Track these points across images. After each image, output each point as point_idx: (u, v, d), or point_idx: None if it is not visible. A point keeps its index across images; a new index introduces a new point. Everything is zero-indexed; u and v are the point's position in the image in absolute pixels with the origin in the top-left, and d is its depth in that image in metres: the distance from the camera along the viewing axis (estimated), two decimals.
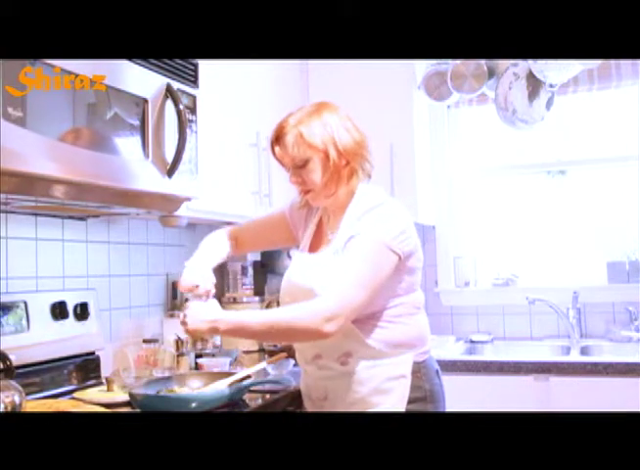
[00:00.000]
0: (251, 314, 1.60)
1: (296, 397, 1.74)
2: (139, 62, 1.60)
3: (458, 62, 2.72)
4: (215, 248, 1.74)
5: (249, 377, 1.73)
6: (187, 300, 1.59)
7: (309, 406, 1.67)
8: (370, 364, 1.52)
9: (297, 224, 1.75)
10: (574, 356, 2.53)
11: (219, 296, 2.67)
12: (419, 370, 1.55)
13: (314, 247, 1.67)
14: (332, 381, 1.57)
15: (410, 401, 1.53)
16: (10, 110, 1.24)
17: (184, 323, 1.47)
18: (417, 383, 1.54)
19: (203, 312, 1.48)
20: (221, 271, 2.71)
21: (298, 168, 1.58)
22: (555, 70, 2.58)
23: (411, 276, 1.56)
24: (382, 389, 1.52)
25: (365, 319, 1.51)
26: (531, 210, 3.05)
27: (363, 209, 1.54)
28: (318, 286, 1.50)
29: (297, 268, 1.63)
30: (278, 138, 1.59)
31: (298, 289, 1.57)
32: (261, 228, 1.85)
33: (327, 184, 1.57)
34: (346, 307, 1.42)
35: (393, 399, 1.52)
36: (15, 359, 1.55)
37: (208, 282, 1.59)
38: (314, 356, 1.59)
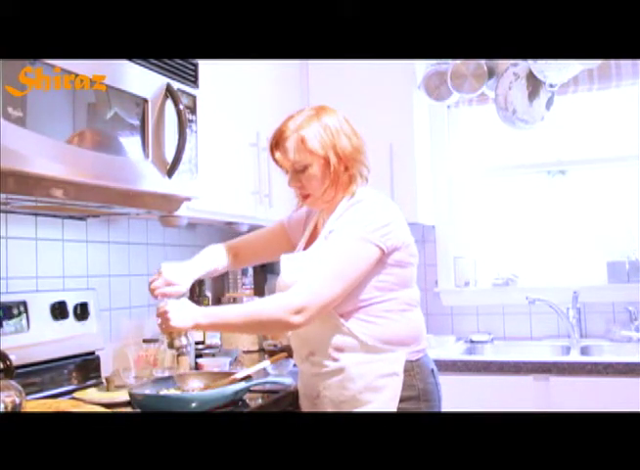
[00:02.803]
0: (229, 308, 1.62)
1: (296, 397, 1.74)
2: (139, 62, 1.60)
3: (458, 62, 2.72)
4: (204, 258, 1.73)
5: (249, 377, 1.73)
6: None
7: (304, 405, 1.67)
8: (361, 361, 1.53)
9: (297, 232, 1.76)
10: (574, 356, 2.53)
11: (219, 296, 2.67)
12: (412, 369, 1.55)
13: (307, 247, 1.68)
14: (324, 378, 1.57)
15: (402, 400, 1.53)
16: (10, 110, 1.24)
17: (166, 320, 1.46)
18: (410, 381, 1.54)
19: (184, 309, 1.48)
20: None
21: (298, 173, 1.59)
22: (555, 70, 2.58)
23: (402, 270, 1.56)
24: (373, 386, 1.52)
25: (353, 312, 1.52)
26: (531, 210, 3.05)
27: (345, 208, 1.56)
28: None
29: (287, 266, 1.64)
30: (278, 143, 1.60)
31: (286, 285, 1.58)
32: (262, 240, 1.84)
33: (326, 190, 1.59)
34: (316, 300, 1.44)
35: (385, 398, 1.52)
36: (15, 359, 1.55)
37: (184, 285, 1.59)
38: (308, 354, 1.60)
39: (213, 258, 1.74)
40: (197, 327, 1.50)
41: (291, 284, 1.56)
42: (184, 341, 1.54)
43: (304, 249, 1.68)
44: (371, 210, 1.53)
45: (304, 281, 1.47)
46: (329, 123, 1.57)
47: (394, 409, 1.52)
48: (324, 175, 1.57)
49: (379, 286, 1.53)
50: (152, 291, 1.56)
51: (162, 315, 1.47)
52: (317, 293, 1.45)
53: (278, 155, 1.61)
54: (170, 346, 1.54)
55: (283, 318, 1.44)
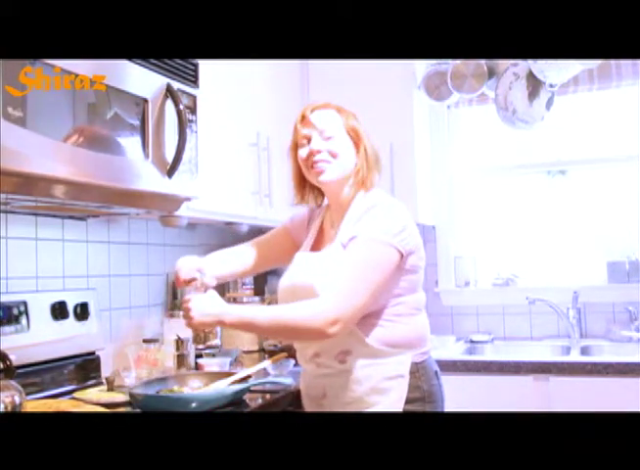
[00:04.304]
0: (258, 310, 1.59)
1: (296, 397, 1.74)
2: (139, 62, 1.60)
3: (458, 62, 2.72)
4: (218, 255, 1.75)
5: (249, 377, 1.73)
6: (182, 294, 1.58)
7: (308, 405, 1.67)
8: (368, 363, 1.52)
9: (301, 234, 1.75)
10: (574, 356, 2.53)
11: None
12: (417, 371, 1.55)
13: (316, 246, 1.67)
14: (330, 379, 1.57)
15: (408, 402, 1.53)
16: (10, 110, 1.24)
17: (189, 317, 1.45)
18: (415, 383, 1.54)
19: (207, 305, 1.46)
20: None
21: (326, 140, 1.58)
22: (555, 70, 2.58)
23: (413, 275, 1.56)
24: (379, 388, 1.52)
25: (364, 318, 1.51)
26: (531, 210, 3.05)
27: (363, 209, 1.55)
28: (318, 283, 1.51)
29: (299, 267, 1.63)
30: (316, 108, 1.61)
31: (299, 287, 1.57)
32: (266, 246, 1.80)
33: (357, 165, 1.59)
34: (351, 311, 1.43)
35: (391, 399, 1.52)
36: (15, 359, 1.55)
37: (207, 275, 1.59)
38: (313, 355, 1.59)
39: (221, 257, 1.75)
40: (220, 325, 1.49)
41: (300, 285, 1.56)
42: (212, 340, 1.51)
43: (312, 249, 1.67)
44: (389, 213, 1.52)
45: (337, 290, 1.44)
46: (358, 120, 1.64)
47: (400, 411, 1.52)
48: (352, 152, 1.59)
49: (391, 292, 1.53)
50: (178, 280, 1.58)
51: (185, 311, 1.45)
52: (351, 303, 1.43)
53: (315, 115, 1.59)
54: (195, 341, 1.52)
55: (320, 329, 1.40)
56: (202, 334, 1.56)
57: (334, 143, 1.58)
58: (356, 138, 1.60)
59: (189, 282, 1.57)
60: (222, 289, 2.70)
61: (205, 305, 1.46)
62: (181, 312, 1.49)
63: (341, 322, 1.41)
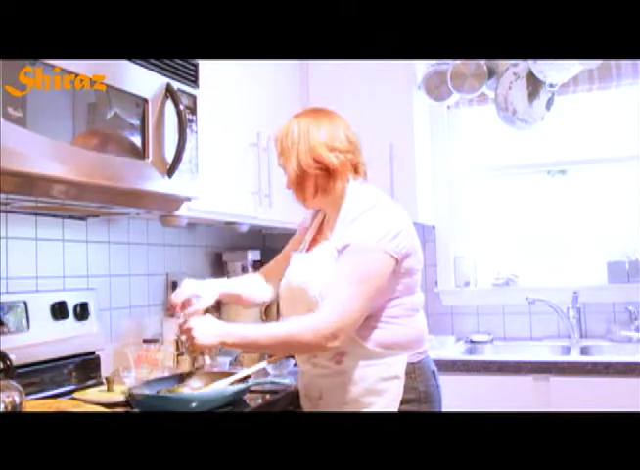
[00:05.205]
0: (257, 328, 1.58)
1: (295, 397, 1.74)
2: (139, 62, 1.60)
3: (458, 62, 2.72)
4: (231, 279, 1.77)
5: (249, 377, 1.73)
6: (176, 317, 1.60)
7: (306, 406, 1.67)
8: (364, 364, 1.53)
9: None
10: (574, 356, 2.53)
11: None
12: (413, 371, 1.55)
13: (314, 244, 1.67)
14: (326, 380, 1.57)
15: (403, 402, 1.53)
16: (10, 110, 1.24)
17: (191, 338, 1.46)
18: (411, 384, 1.54)
19: (210, 327, 1.48)
20: (221, 271, 2.71)
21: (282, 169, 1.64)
22: (555, 71, 2.58)
23: (410, 278, 1.56)
24: (375, 389, 1.52)
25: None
26: (531, 210, 3.05)
27: (356, 211, 1.52)
28: (311, 286, 1.52)
29: (294, 267, 1.63)
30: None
31: (294, 288, 1.58)
32: (288, 255, 1.78)
33: (296, 189, 1.61)
34: (349, 323, 1.44)
35: (387, 400, 1.52)
36: (15, 359, 1.55)
37: (208, 299, 1.62)
38: (310, 355, 1.59)
39: (240, 280, 1.78)
40: (222, 345, 1.50)
41: (295, 286, 1.57)
42: (207, 361, 1.55)
43: (309, 247, 1.68)
44: (385, 217, 1.51)
45: (333, 304, 1.45)
46: (304, 125, 1.59)
47: (396, 411, 1.52)
48: (293, 174, 1.59)
49: (387, 295, 1.52)
50: (172, 308, 1.60)
51: (187, 333, 1.47)
52: (349, 316, 1.44)
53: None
54: (192, 364, 1.54)
55: (320, 344, 1.43)
56: (201, 355, 1.63)
57: (285, 168, 1.62)
58: (285, 148, 1.60)
59: (183, 306, 1.58)
60: None
61: (207, 327, 1.48)
62: (180, 333, 1.51)
63: (340, 336, 1.43)
